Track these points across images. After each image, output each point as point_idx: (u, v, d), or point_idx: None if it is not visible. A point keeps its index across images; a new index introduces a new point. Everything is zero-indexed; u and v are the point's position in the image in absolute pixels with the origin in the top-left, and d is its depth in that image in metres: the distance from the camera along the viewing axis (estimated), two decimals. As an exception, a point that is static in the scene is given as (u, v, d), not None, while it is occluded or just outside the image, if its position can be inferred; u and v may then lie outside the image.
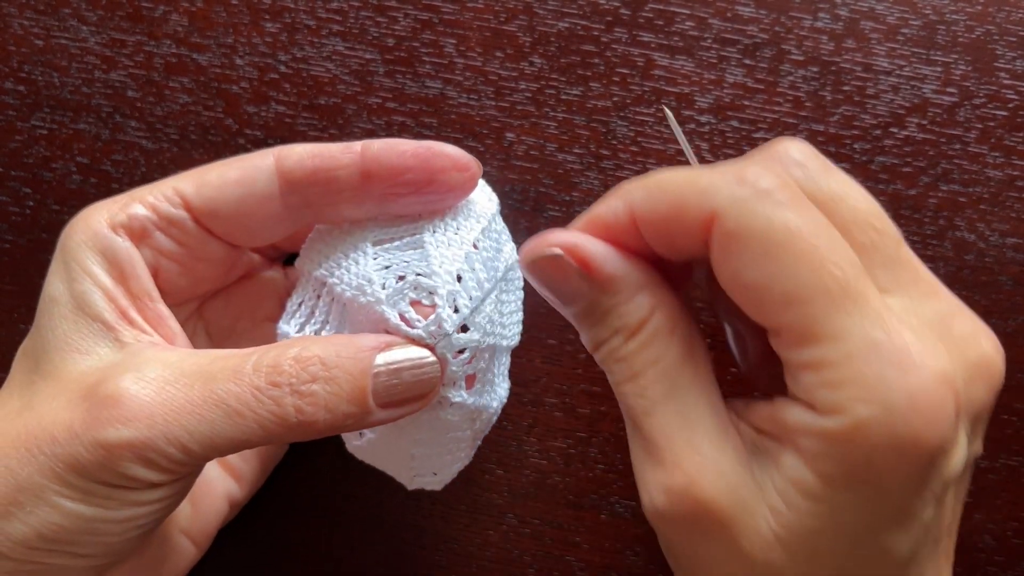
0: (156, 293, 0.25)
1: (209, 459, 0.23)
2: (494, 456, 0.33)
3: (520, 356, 0.33)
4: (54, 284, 0.24)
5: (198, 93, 0.32)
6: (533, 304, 0.33)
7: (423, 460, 0.28)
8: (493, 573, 0.34)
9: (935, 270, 0.32)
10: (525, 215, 0.32)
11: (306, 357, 0.23)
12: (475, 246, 0.26)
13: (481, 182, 0.27)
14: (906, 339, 0.20)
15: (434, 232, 0.25)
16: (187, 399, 0.22)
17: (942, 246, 0.32)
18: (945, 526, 0.23)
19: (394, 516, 0.34)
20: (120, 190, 0.33)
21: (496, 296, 0.26)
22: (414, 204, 0.25)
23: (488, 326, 0.25)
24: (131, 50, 0.32)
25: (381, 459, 0.29)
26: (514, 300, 0.28)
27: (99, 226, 0.24)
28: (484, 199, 0.27)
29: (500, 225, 0.28)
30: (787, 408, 0.22)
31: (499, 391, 0.28)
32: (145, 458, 0.22)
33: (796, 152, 0.24)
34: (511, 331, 0.28)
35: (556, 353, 0.33)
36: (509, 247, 0.28)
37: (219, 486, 0.30)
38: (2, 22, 0.32)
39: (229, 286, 0.29)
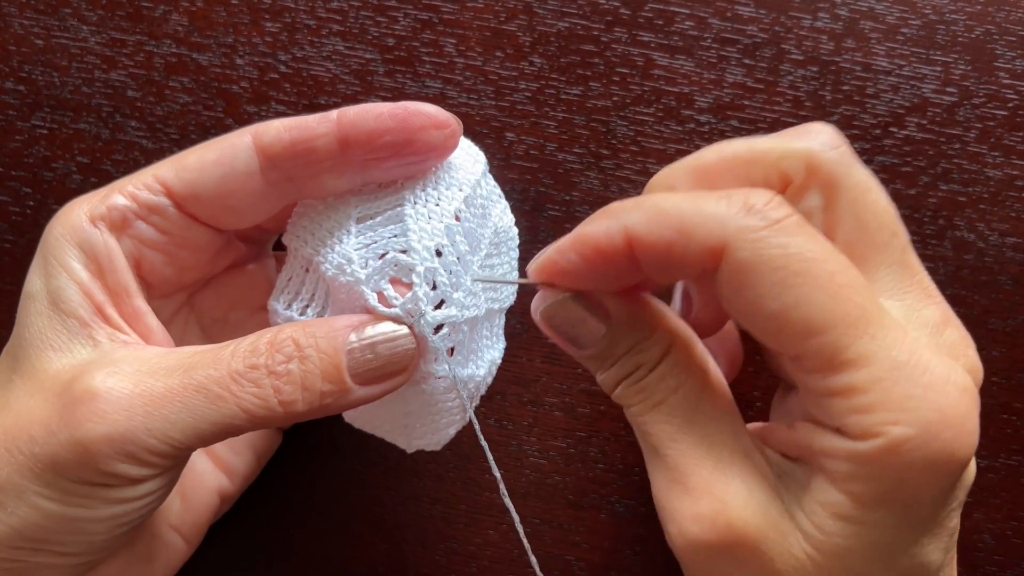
0: (135, 288, 0.25)
1: (193, 448, 0.23)
2: (494, 456, 0.33)
3: (520, 356, 0.33)
4: (32, 280, 0.24)
5: (198, 93, 0.32)
6: (533, 304, 0.33)
7: (418, 426, 0.28)
8: (493, 573, 0.34)
9: (935, 270, 0.32)
10: (525, 215, 0.32)
11: (280, 339, 0.23)
12: (457, 217, 0.25)
13: (466, 142, 0.27)
14: (925, 356, 0.20)
15: (415, 204, 0.25)
16: (167, 388, 0.22)
17: (942, 246, 0.32)
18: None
19: (394, 516, 0.34)
20: (120, 190, 0.33)
21: (480, 264, 0.26)
22: (395, 168, 0.25)
23: (468, 299, 0.25)
24: (131, 50, 0.32)
25: (377, 426, 0.29)
26: (507, 261, 0.28)
27: (78, 219, 0.24)
28: (468, 162, 0.26)
29: (487, 188, 0.27)
30: (813, 434, 0.22)
31: (491, 354, 0.28)
32: (126, 452, 0.22)
33: (831, 136, 0.24)
34: (503, 293, 0.28)
35: (556, 353, 0.33)
36: (499, 208, 0.27)
37: (210, 480, 0.29)
38: (2, 22, 0.32)
39: (219, 276, 0.29)
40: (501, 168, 0.32)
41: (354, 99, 0.32)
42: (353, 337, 0.24)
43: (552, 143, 0.32)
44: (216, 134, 0.33)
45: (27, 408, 0.22)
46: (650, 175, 0.32)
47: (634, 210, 0.22)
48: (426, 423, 0.28)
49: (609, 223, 0.22)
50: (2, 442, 0.22)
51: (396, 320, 0.24)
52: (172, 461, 0.23)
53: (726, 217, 0.21)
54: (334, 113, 0.24)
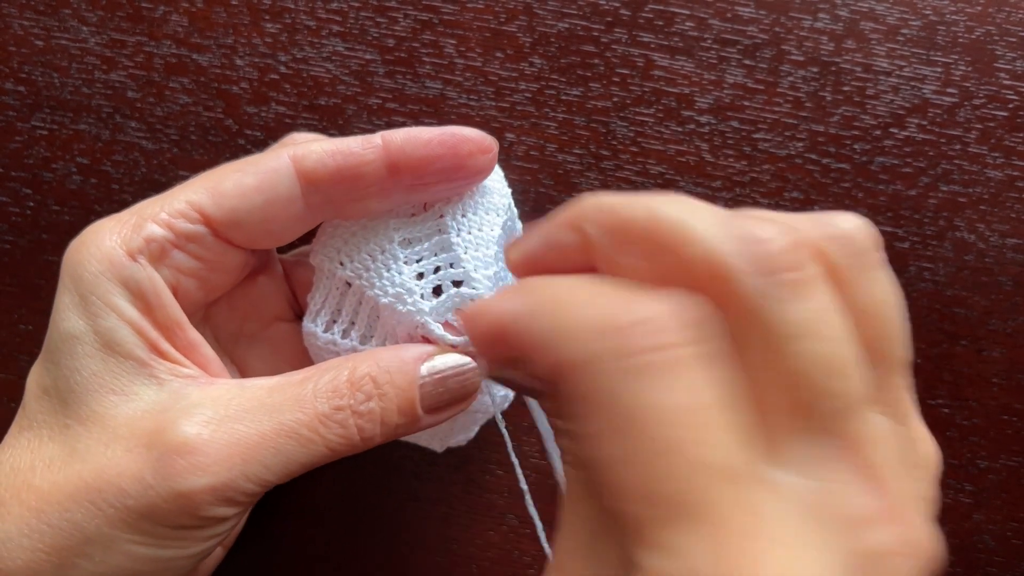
0: (185, 320, 0.24)
1: (279, 484, 0.23)
2: (494, 457, 0.33)
3: (520, 357, 0.33)
4: (71, 320, 0.23)
5: (198, 94, 0.32)
6: (533, 305, 0.33)
7: (454, 430, 0.29)
8: (494, 574, 0.34)
9: (935, 271, 0.32)
10: (525, 215, 0.32)
11: (359, 378, 0.24)
12: (498, 243, 0.26)
13: None
14: (759, 568, 0.15)
15: (459, 232, 0.26)
16: (259, 434, 0.22)
17: (942, 246, 0.32)
18: None
19: (395, 517, 0.34)
20: (120, 191, 0.33)
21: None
22: (442, 191, 0.25)
23: None
24: (131, 51, 0.32)
25: (413, 436, 0.29)
26: None
27: (115, 253, 0.23)
28: (498, 183, 0.27)
29: (512, 209, 0.28)
30: None
31: None
32: (225, 498, 0.22)
33: (852, 227, 0.18)
34: None
35: (556, 354, 0.33)
36: (518, 226, 0.29)
37: None
38: (2, 22, 0.32)
39: (231, 289, 0.29)
40: (501, 169, 0.32)
41: (354, 100, 0.32)
42: (424, 370, 0.24)
43: (552, 144, 0.32)
44: (216, 135, 0.33)
45: (108, 460, 0.22)
46: (650, 176, 0.32)
47: (514, 299, 0.19)
48: (462, 426, 0.29)
49: (498, 308, 0.19)
50: (85, 495, 0.22)
51: (462, 350, 0.25)
52: (258, 497, 0.23)
53: (569, 335, 0.17)
54: (378, 138, 0.24)
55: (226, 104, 0.32)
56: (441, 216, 0.26)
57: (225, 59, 0.32)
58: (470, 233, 0.26)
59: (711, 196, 0.32)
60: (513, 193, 0.32)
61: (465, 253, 0.25)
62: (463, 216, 0.26)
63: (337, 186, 0.24)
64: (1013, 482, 0.32)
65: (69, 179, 0.33)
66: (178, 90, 0.32)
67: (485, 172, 0.25)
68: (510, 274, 0.27)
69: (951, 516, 0.33)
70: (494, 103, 0.32)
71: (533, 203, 0.32)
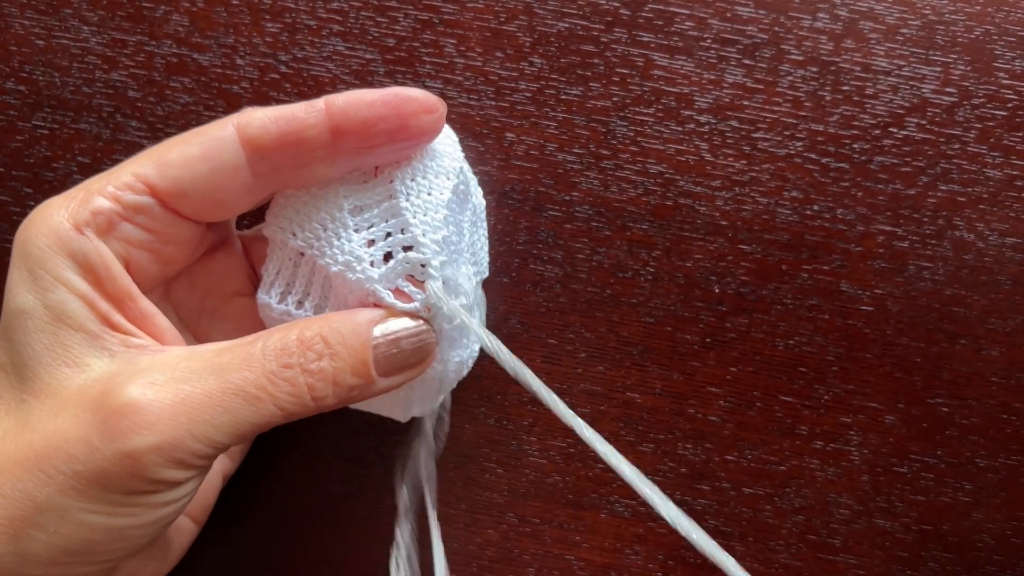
0: (137, 291, 0.24)
1: (232, 446, 0.23)
2: (494, 455, 0.33)
3: (520, 356, 0.33)
4: (21, 295, 0.23)
5: (199, 93, 0.33)
6: (534, 303, 0.33)
7: (416, 400, 0.29)
8: (493, 573, 0.34)
9: (934, 270, 0.32)
10: (525, 215, 0.32)
11: (309, 337, 0.24)
12: (448, 207, 0.26)
13: None
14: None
15: (408, 196, 0.25)
16: (205, 393, 0.22)
17: (941, 246, 0.32)
18: None
19: (394, 516, 0.34)
20: (121, 190, 0.33)
21: (467, 247, 0.27)
22: (388, 153, 0.25)
23: (470, 284, 0.26)
24: (132, 50, 0.32)
25: (376, 406, 0.29)
26: (482, 236, 0.29)
27: (62, 227, 0.23)
28: (449, 146, 0.27)
29: (467, 173, 0.28)
30: None
31: (474, 324, 0.29)
32: (174, 459, 0.22)
33: None
34: (483, 265, 0.29)
35: (556, 353, 0.33)
36: (474, 187, 0.28)
37: (215, 463, 0.30)
38: (3, 22, 0.32)
39: (190, 265, 0.28)
40: (501, 168, 0.32)
41: (354, 99, 0.32)
42: (377, 332, 0.24)
43: (552, 143, 0.32)
44: (217, 134, 0.33)
45: (57, 427, 0.22)
46: (650, 175, 0.32)
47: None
48: (425, 396, 0.29)
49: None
50: (35, 464, 0.22)
51: (413, 314, 0.25)
52: (211, 460, 0.23)
53: None
54: (321, 102, 0.24)
55: (227, 104, 0.33)
56: (391, 181, 0.25)
57: (226, 59, 0.32)
58: (419, 197, 0.25)
59: (711, 195, 0.32)
60: (513, 192, 0.32)
61: (414, 218, 0.25)
62: (412, 180, 0.25)
63: (282, 152, 0.24)
64: (1012, 481, 0.33)
65: (70, 178, 0.33)
66: (179, 89, 0.33)
67: (432, 133, 0.25)
68: (463, 239, 0.27)
69: (950, 515, 0.33)
70: (494, 103, 0.32)
71: (533, 203, 0.32)
